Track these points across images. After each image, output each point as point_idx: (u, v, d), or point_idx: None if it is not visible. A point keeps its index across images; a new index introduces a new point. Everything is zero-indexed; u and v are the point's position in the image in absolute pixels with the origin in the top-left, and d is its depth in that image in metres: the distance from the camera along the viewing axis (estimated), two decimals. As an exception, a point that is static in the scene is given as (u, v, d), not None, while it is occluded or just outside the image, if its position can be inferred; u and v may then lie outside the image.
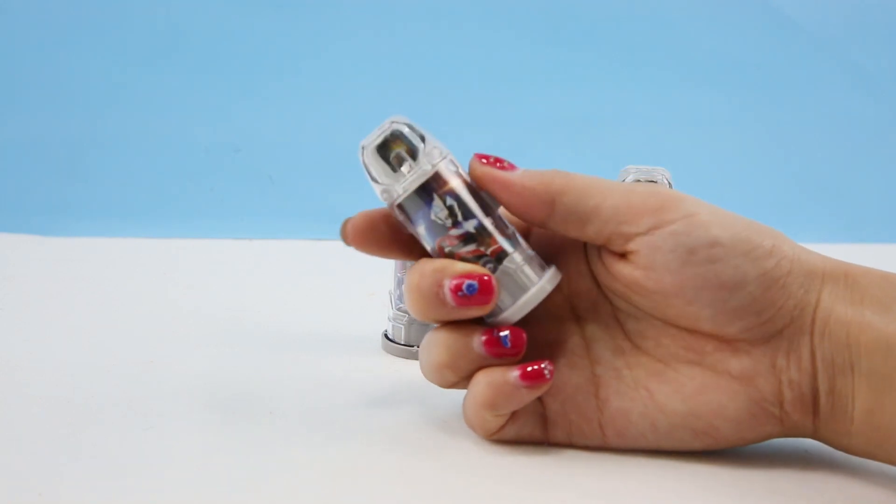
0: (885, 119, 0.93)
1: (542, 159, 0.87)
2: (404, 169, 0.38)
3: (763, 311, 0.37)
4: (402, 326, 0.53)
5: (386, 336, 0.55)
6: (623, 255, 0.38)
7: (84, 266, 0.71)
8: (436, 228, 0.38)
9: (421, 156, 0.38)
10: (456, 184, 0.38)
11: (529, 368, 0.37)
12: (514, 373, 0.37)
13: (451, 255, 0.38)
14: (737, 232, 0.37)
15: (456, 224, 0.38)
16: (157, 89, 0.86)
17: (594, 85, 0.92)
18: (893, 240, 0.84)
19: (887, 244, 0.83)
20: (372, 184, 0.38)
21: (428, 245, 0.39)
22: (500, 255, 0.38)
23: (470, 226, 0.38)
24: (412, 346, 0.53)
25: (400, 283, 0.53)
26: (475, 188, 0.38)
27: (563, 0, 0.94)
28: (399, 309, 0.53)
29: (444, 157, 0.38)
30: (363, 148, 0.38)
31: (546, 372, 0.37)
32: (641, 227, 0.37)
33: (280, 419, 0.44)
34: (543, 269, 0.39)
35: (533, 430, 0.40)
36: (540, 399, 0.40)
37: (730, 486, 0.39)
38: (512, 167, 0.38)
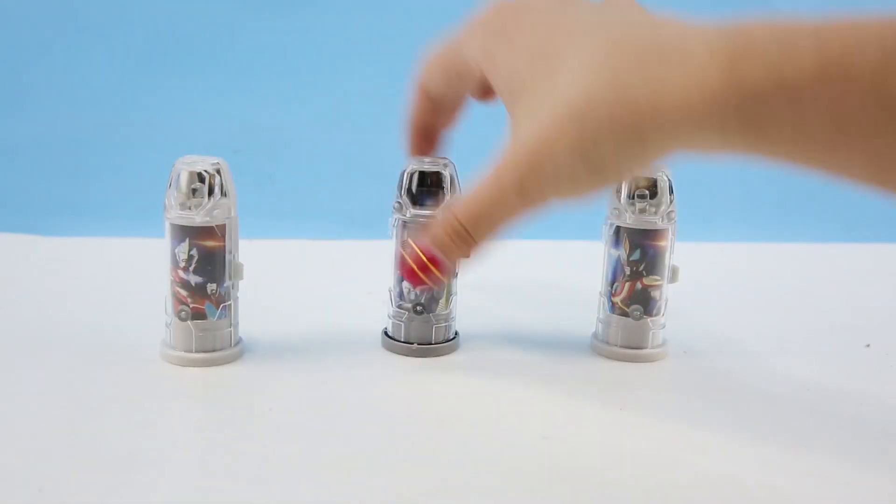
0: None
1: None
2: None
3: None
4: (402, 324, 0.53)
5: (386, 333, 0.55)
6: None
7: (84, 266, 0.71)
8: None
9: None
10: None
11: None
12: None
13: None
14: (585, 198, 0.41)
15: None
16: (158, 89, 0.86)
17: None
18: (893, 240, 0.84)
19: (887, 244, 0.83)
20: None
21: None
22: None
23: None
24: (412, 344, 0.53)
25: (399, 280, 0.53)
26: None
27: None
28: (399, 307, 0.53)
29: None
30: None
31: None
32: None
33: (280, 416, 0.45)
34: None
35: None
36: None
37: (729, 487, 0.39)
38: (444, 270, 0.46)
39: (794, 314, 0.65)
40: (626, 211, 0.52)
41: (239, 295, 0.51)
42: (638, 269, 0.53)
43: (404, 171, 0.51)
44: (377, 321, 0.56)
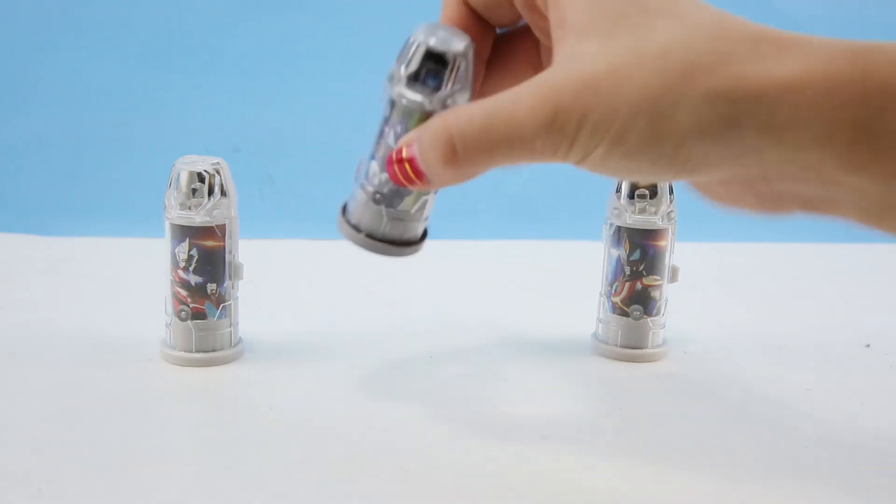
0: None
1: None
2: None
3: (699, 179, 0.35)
4: (356, 206, 0.43)
5: (344, 209, 0.44)
6: None
7: (84, 266, 0.71)
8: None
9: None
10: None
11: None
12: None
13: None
14: (633, 153, 0.33)
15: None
16: (157, 89, 0.86)
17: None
18: (893, 240, 0.84)
19: (887, 244, 0.83)
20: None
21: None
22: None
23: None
24: (360, 231, 0.42)
25: (370, 157, 0.42)
26: None
27: None
28: (361, 186, 0.42)
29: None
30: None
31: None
32: (558, 161, 0.35)
33: (279, 416, 0.45)
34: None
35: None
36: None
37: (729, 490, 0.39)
38: (421, 177, 0.38)
39: (794, 314, 0.65)
40: (626, 211, 0.52)
41: (239, 295, 0.51)
42: (638, 269, 0.53)
43: (410, 39, 0.40)
44: (377, 322, 0.56)
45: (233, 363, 0.51)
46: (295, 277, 0.70)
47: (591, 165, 0.34)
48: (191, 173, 0.48)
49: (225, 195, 0.49)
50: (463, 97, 0.39)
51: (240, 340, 0.52)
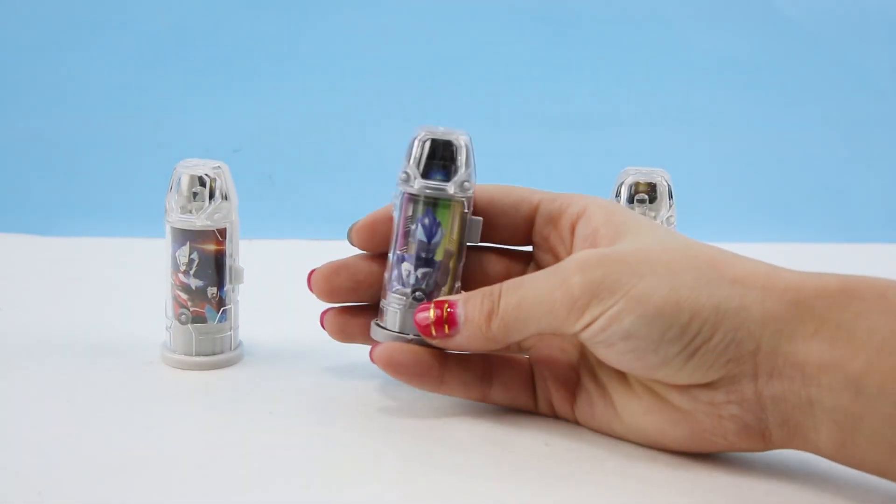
0: (885, 119, 0.93)
1: (542, 160, 0.87)
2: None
3: (692, 375, 0.38)
4: (398, 311, 0.45)
5: (376, 323, 0.48)
6: None
7: (84, 266, 0.71)
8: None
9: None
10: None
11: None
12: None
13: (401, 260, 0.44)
14: (651, 315, 0.37)
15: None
16: (157, 89, 0.86)
17: (594, 85, 0.92)
18: (893, 240, 0.84)
19: (887, 244, 0.83)
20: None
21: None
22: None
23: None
24: (407, 334, 0.45)
25: (399, 260, 0.45)
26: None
27: (563, 0, 0.93)
28: (396, 291, 0.46)
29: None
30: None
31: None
32: (573, 329, 0.39)
33: (280, 419, 0.45)
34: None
35: (522, 398, 0.44)
36: (532, 372, 0.44)
37: (729, 487, 0.39)
38: (452, 328, 0.41)
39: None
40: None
41: (239, 298, 0.51)
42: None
43: (414, 138, 0.44)
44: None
45: (233, 366, 0.51)
46: (295, 278, 0.70)
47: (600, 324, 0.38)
48: (192, 177, 0.48)
49: (226, 199, 0.49)
50: (474, 177, 0.44)
51: (240, 344, 0.52)
